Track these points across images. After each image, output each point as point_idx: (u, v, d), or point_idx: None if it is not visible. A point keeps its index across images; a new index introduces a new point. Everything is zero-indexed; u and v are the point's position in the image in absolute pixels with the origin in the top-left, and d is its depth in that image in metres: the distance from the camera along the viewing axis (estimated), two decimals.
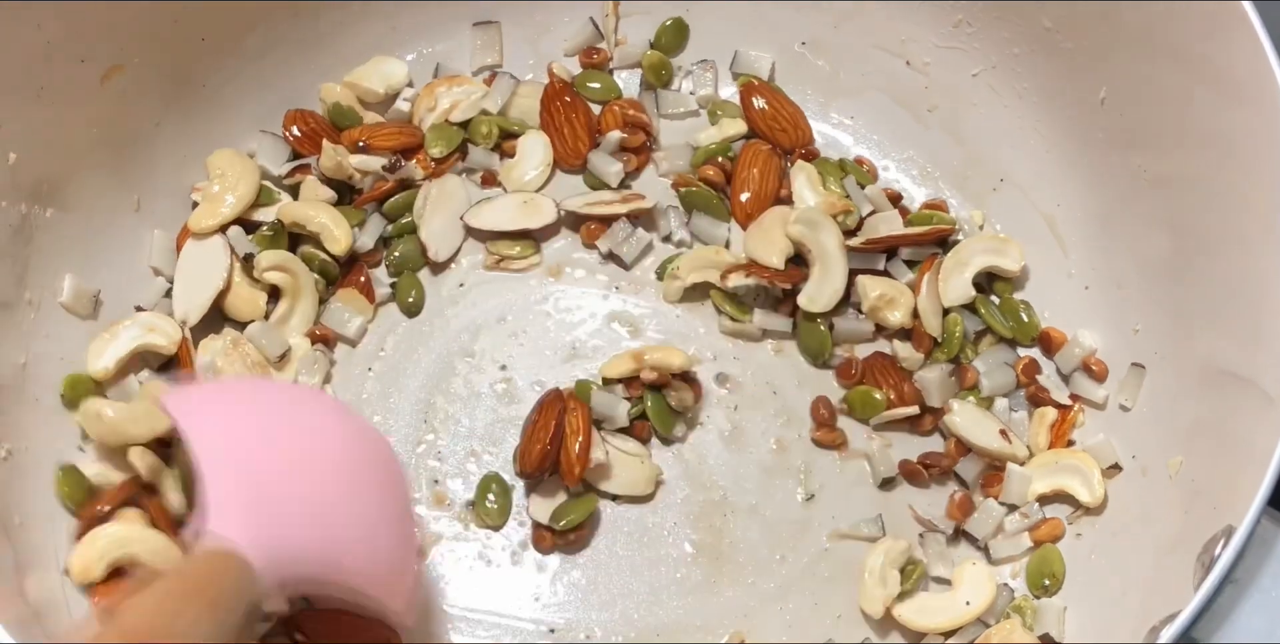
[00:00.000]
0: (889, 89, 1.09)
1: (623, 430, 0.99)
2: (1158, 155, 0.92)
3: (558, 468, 0.96)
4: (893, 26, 1.06)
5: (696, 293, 1.04)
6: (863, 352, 1.03)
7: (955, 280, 1.01)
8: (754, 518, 0.98)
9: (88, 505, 0.92)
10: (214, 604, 0.72)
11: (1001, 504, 0.96)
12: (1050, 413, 0.99)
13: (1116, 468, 0.94)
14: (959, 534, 0.98)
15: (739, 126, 1.08)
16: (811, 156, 1.08)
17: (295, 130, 1.06)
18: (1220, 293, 0.87)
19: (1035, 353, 1.02)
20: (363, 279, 1.04)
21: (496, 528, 0.98)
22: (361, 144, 1.04)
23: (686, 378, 1.00)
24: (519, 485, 0.99)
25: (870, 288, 1.00)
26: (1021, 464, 0.97)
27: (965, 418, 0.98)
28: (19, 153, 0.89)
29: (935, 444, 1.00)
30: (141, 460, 0.93)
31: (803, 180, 1.05)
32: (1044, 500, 0.96)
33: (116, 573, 0.90)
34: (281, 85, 1.06)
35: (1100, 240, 0.99)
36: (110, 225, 0.99)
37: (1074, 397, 0.99)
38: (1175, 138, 0.90)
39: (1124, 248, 0.97)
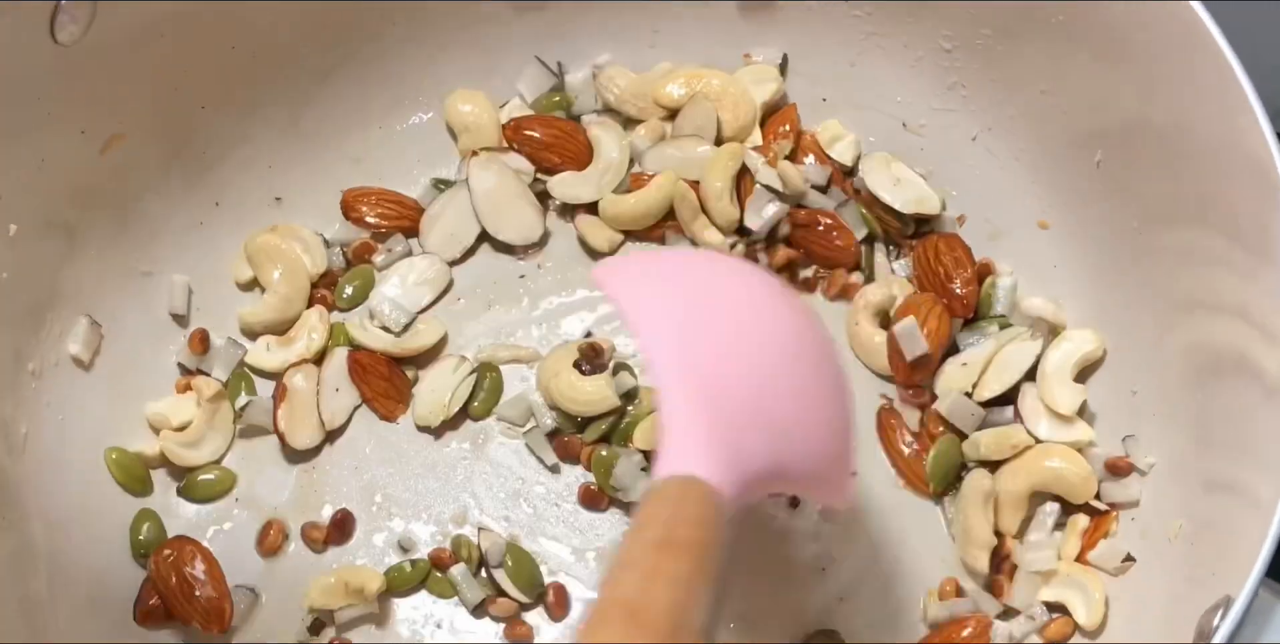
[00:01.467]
0: (886, 149, 1.09)
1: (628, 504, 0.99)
2: (1153, 221, 0.92)
3: None
4: (888, 89, 1.07)
5: None
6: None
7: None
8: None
9: None
10: (688, 549, 0.64)
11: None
12: (1083, 520, 0.96)
13: (1130, 559, 0.93)
14: None
15: None
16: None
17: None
18: (1218, 355, 0.87)
19: None
20: None
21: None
22: None
23: None
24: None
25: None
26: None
27: None
28: (20, 225, 0.90)
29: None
30: None
31: None
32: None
33: None
34: (283, 151, 1.07)
35: (1096, 302, 0.99)
36: (112, 293, 1.00)
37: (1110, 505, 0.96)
38: (1170, 205, 0.90)
39: (1120, 310, 0.97)
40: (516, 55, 1.10)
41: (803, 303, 0.85)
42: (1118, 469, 0.94)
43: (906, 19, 1.02)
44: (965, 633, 0.93)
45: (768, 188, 1.04)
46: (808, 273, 1.07)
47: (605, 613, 0.61)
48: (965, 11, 0.99)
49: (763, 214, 1.04)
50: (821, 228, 1.05)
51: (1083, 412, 0.97)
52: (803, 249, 1.06)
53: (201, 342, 1.03)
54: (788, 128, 1.07)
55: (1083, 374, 0.99)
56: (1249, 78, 0.81)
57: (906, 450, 1.00)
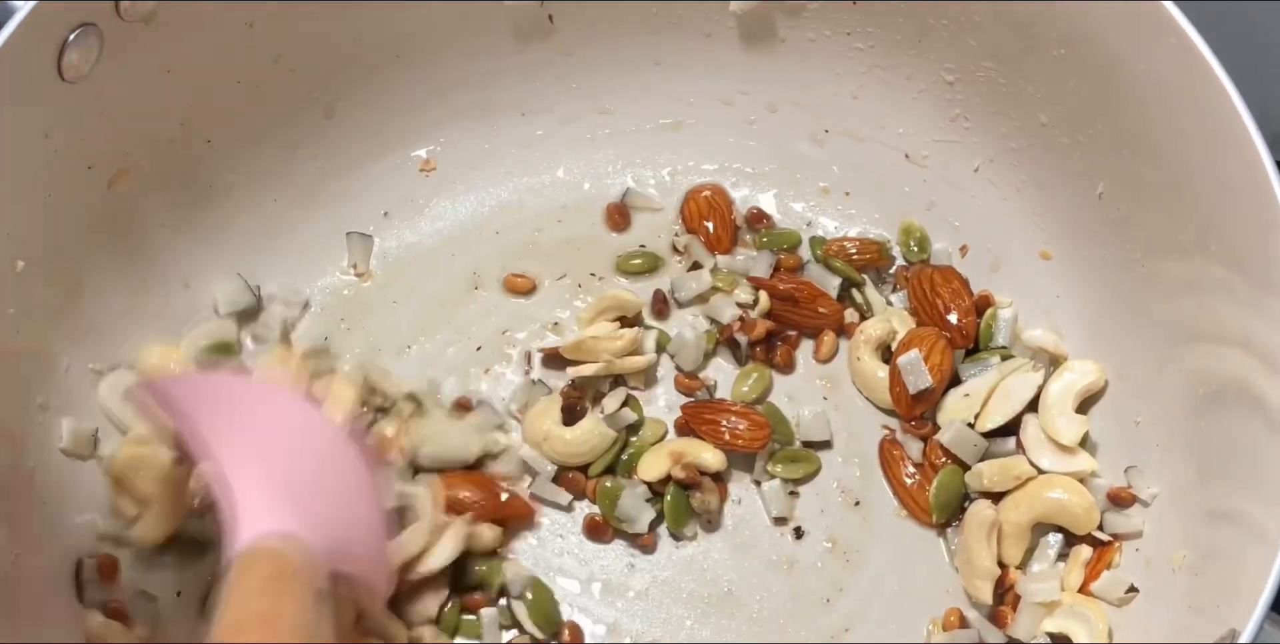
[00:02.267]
0: (888, 180, 1.10)
1: (633, 535, 0.99)
2: (1155, 251, 0.93)
3: None
4: (890, 120, 1.07)
5: None
6: None
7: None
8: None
9: None
10: (304, 585, 0.73)
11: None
12: (1085, 550, 0.96)
13: (1133, 590, 0.93)
14: None
15: None
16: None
17: None
18: (1221, 386, 0.87)
19: None
20: None
21: None
22: None
23: (716, 478, 1.00)
24: None
25: None
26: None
27: None
28: (26, 260, 0.90)
29: None
30: None
31: None
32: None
33: None
34: (288, 185, 1.08)
35: (1098, 332, 1.00)
36: (115, 328, 1.00)
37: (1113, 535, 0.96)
38: (1171, 236, 0.90)
39: (1122, 340, 0.97)
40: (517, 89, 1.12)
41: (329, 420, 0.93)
42: (1120, 500, 0.94)
43: (909, 52, 1.03)
44: None
45: None
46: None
47: (240, 624, 0.69)
48: (967, 44, 0.99)
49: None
50: (799, 300, 1.05)
51: (1085, 442, 0.98)
52: (786, 324, 1.06)
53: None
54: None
55: (1085, 405, 0.99)
56: (1248, 108, 0.82)
57: (909, 481, 1.00)
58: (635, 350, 1.03)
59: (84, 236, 0.96)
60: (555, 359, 1.04)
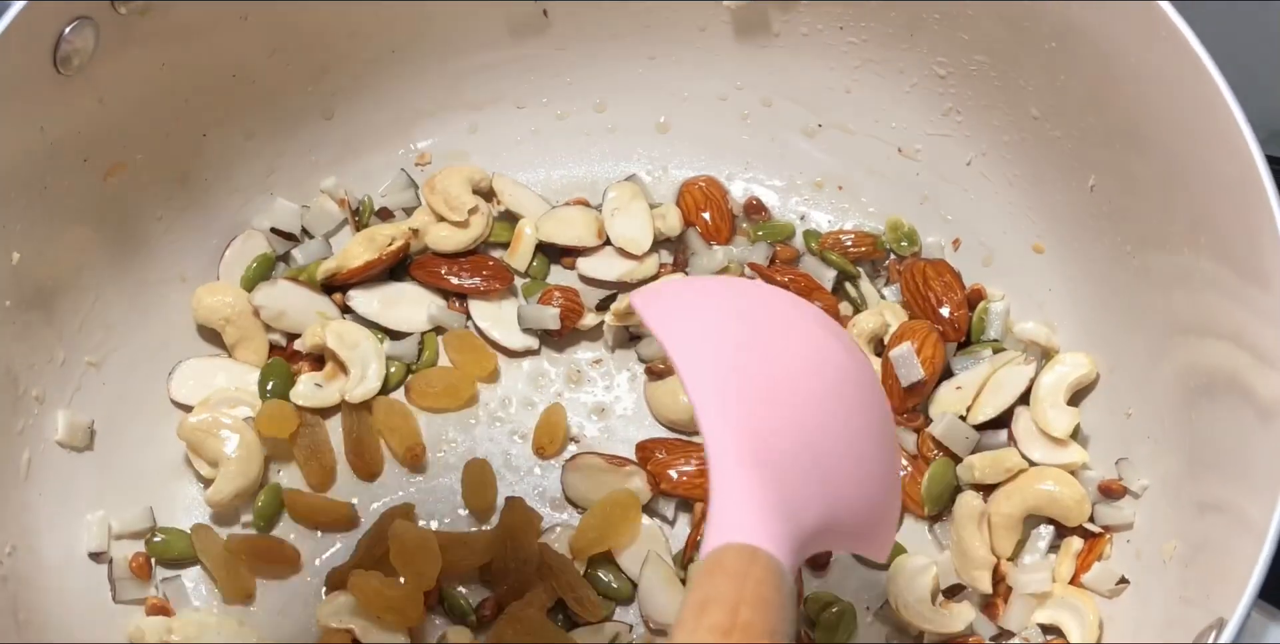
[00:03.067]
0: (880, 173, 1.10)
1: None
2: (1147, 245, 0.93)
3: None
4: (883, 114, 1.08)
5: None
6: None
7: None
8: None
9: None
10: (780, 613, 0.61)
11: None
12: (1076, 542, 0.96)
13: (1124, 581, 0.93)
14: None
15: None
16: None
17: None
18: (1212, 377, 0.88)
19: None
20: None
21: None
22: None
23: None
24: None
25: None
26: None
27: None
28: (22, 252, 0.91)
29: None
30: None
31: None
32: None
33: None
34: (284, 178, 1.09)
35: (1090, 325, 1.00)
36: (111, 321, 1.00)
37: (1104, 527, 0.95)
38: (1163, 229, 0.90)
39: (1114, 333, 0.98)
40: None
41: (853, 342, 0.80)
42: (1111, 492, 0.95)
43: (901, 46, 1.03)
44: None
45: None
46: None
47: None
48: (959, 38, 1.00)
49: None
50: (796, 292, 1.04)
51: (1076, 434, 0.98)
52: None
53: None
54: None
55: (1076, 397, 1.00)
56: (1239, 103, 0.82)
57: (901, 473, 1.00)
58: None
59: (79, 229, 0.96)
60: None
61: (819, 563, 1.00)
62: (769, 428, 0.69)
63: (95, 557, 0.96)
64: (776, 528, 0.65)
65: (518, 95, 1.13)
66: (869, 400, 0.75)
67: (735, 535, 0.64)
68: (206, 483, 1.00)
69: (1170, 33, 0.84)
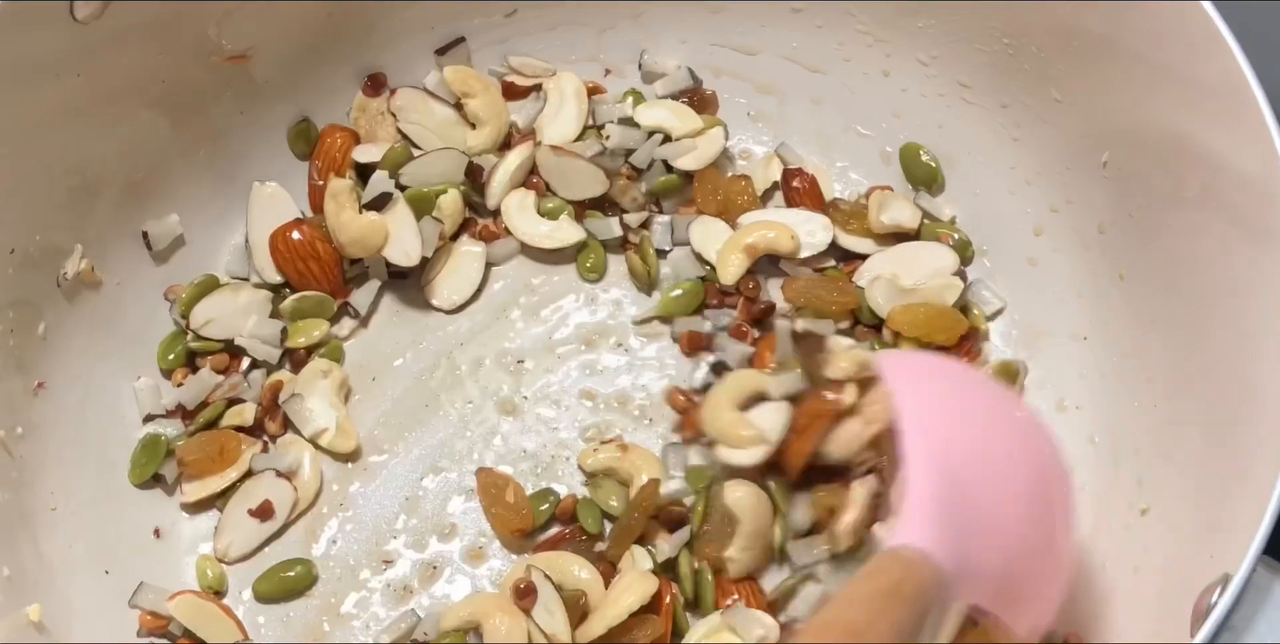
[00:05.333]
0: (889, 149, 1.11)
1: None
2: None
3: None
4: (891, 96, 1.09)
5: None
6: None
7: None
8: None
9: None
10: (912, 605, 0.71)
11: None
12: None
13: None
14: None
15: None
16: None
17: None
18: (1219, 344, 0.88)
19: None
20: None
21: None
22: None
23: None
24: None
25: None
26: None
27: None
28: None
29: None
30: None
31: None
32: None
33: None
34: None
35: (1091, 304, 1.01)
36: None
37: None
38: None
39: (1116, 301, 0.99)
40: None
41: (1054, 441, 0.88)
42: None
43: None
44: None
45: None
46: None
47: (829, 626, 0.68)
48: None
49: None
50: None
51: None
52: None
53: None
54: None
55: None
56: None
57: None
58: None
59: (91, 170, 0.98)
60: None
61: None
62: (964, 474, 0.80)
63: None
64: (947, 549, 0.75)
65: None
66: (1056, 497, 0.85)
67: (916, 540, 0.75)
68: None
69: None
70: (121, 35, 0.92)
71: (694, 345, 1.04)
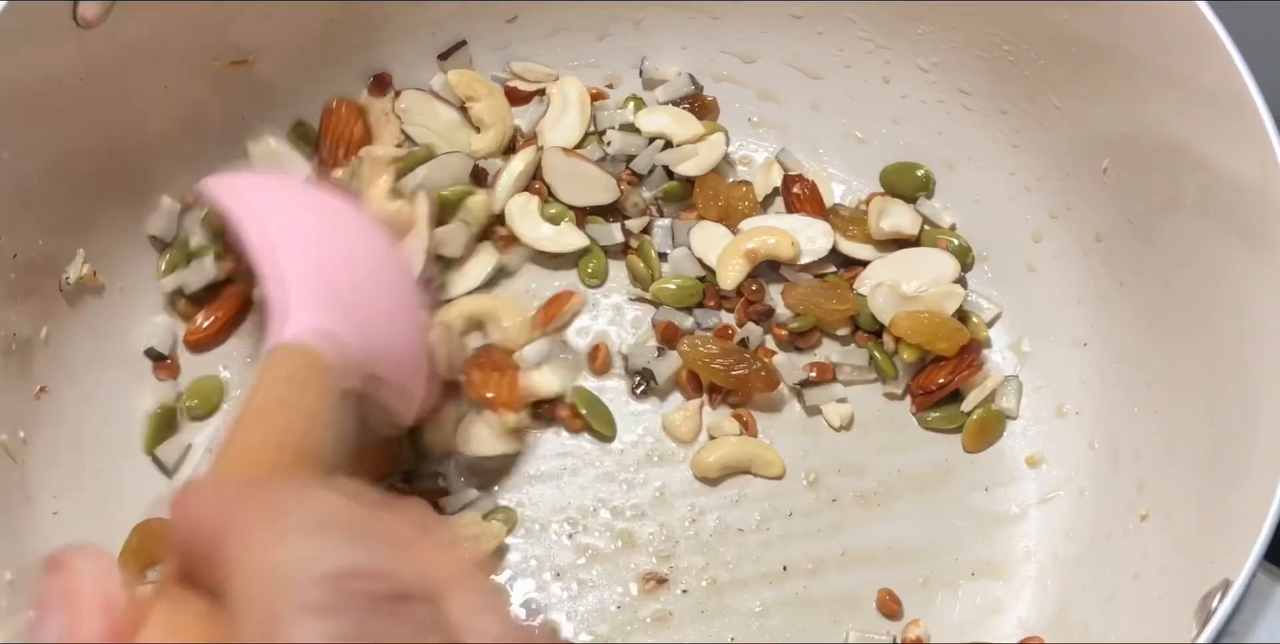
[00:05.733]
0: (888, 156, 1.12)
1: None
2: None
3: None
4: (891, 103, 1.09)
5: None
6: None
7: None
8: None
9: None
10: (333, 381, 0.76)
11: None
12: None
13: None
14: None
15: None
16: None
17: None
18: (1220, 340, 0.88)
19: None
20: None
21: None
22: None
23: None
24: None
25: None
26: None
27: None
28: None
29: None
30: None
31: None
32: None
33: None
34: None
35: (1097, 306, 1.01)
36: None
37: None
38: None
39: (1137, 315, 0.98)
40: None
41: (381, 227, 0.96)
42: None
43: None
44: None
45: None
46: None
47: (245, 424, 0.70)
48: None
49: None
50: None
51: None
52: None
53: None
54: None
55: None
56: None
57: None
58: None
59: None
60: None
61: None
62: (320, 262, 0.85)
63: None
64: (325, 331, 0.79)
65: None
66: (403, 279, 0.94)
67: (290, 335, 0.79)
68: None
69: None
70: (124, 39, 0.91)
71: (668, 337, 1.05)
